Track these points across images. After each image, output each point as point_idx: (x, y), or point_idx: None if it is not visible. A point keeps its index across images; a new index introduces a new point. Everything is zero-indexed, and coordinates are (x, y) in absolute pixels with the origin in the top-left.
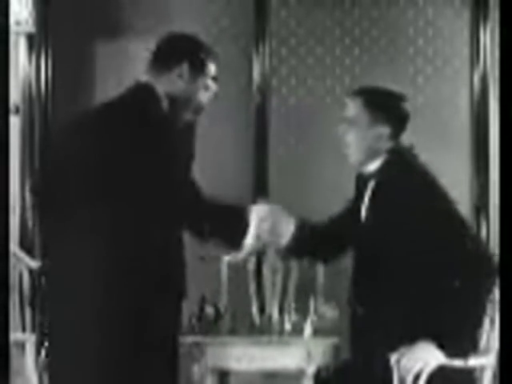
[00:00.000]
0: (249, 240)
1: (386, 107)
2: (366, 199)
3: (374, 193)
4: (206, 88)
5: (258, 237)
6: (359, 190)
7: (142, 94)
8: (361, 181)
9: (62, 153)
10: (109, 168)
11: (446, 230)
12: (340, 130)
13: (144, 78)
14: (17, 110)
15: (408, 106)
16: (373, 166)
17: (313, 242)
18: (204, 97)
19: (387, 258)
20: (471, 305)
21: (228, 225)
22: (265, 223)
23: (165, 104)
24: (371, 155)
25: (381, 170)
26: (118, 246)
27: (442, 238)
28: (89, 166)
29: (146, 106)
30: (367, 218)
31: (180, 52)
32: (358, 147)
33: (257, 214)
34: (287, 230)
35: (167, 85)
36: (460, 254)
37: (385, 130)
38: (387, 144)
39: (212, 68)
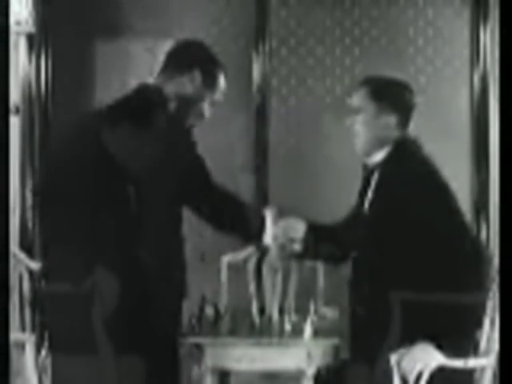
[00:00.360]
0: (267, 239)
1: (392, 96)
2: (370, 191)
3: (377, 185)
4: (213, 102)
5: (275, 237)
6: (364, 181)
7: (148, 94)
8: (366, 172)
9: (66, 153)
10: (113, 169)
11: (445, 225)
12: (347, 121)
13: (151, 80)
14: (17, 110)
15: (413, 94)
16: (378, 157)
17: (321, 245)
18: (208, 107)
19: (386, 255)
20: (471, 305)
21: (247, 220)
22: (278, 228)
23: (172, 105)
24: (378, 145)
25: (385, 162)
26: (119, 247)
27: (441, 234)
28: (91, 166)
29: (151, 106)
30: (370, 211)
31: (193, 59)
32: (365, 137)
33: (271, 216)
34: (299, 234)
35: (177, 87)
36: (460, 254)
37: (391, 120)
38: (394, 133)
39: (222, 80)
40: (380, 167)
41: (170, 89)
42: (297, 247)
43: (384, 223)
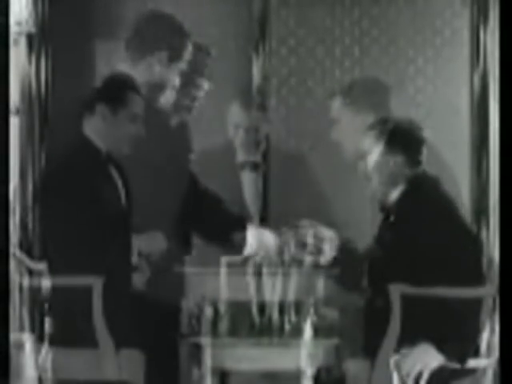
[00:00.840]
0: (249, 249)
1: (398, 137)
2: (386, 230)
3: (393, 224)
4: (182, 73)
5: (255, 253)
6: (383, 220)
7: (120, 84)
8: (383, 210)
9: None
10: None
11: (454, 254)
12: (360, 165)
13: (122, 66)
14: (17, 111)
15: (422, 130)
16: (393, 196)
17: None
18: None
19: (394, 266)
20: (471, 309)
21: (230, 232)
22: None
23: (144, 90)
24: (391, 184)
25: (399, 201)
26: (118, 245)
27: (448, 257)
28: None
29: (125, 96)
30: (387, 247)
31: (160, 36)
32: (378, 179)
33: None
34: (329, 248)
35: (145, 71)
36: (462, 262)
37: (399, 159)
38: (405, 171)
39: (188, 52)
40: (395, 206)
41: (139, 74)
42: (324, 261)
43: (400, 253)
